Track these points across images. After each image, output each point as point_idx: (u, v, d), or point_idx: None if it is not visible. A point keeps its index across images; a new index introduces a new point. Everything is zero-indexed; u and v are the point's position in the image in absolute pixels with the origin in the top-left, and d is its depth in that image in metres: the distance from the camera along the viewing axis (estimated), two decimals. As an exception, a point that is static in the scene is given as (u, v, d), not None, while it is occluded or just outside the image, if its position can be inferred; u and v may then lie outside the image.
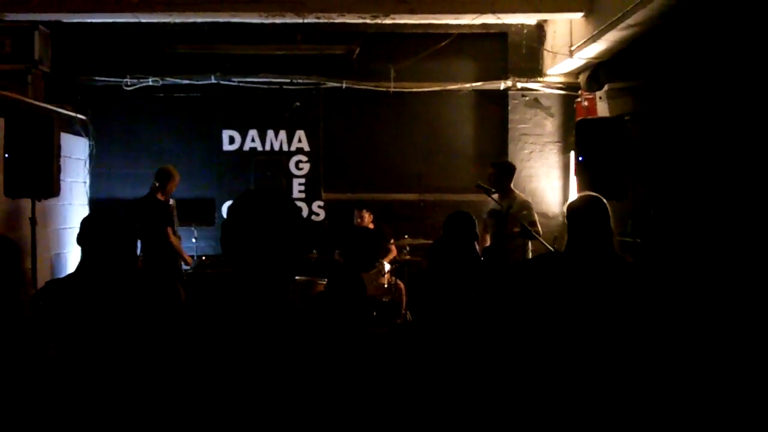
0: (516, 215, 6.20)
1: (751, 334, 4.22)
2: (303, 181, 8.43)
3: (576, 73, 7.73)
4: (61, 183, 6.35)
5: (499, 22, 7.22)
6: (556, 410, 3.00)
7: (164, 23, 7.49)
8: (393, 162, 8.49)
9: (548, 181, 8.31)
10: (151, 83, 8.18)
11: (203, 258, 7.70)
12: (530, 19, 7.81)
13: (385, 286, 6.95)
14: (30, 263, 5.98)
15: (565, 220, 3.39)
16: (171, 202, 7.06)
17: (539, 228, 6.34)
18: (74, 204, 7.85)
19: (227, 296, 1.94)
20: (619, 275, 3.20)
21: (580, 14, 6.63)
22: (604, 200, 3.37)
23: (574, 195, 7.34)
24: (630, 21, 5.53)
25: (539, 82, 8.22)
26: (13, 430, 2.55)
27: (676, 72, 5.74)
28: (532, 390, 2.95)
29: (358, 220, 7.61)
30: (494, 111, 8.45)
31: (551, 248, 5.82)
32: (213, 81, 8.22)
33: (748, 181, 4.68)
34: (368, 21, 7.17)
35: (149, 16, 7.02)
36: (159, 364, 2.21)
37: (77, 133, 8.03)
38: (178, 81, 8.21)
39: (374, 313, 6.87)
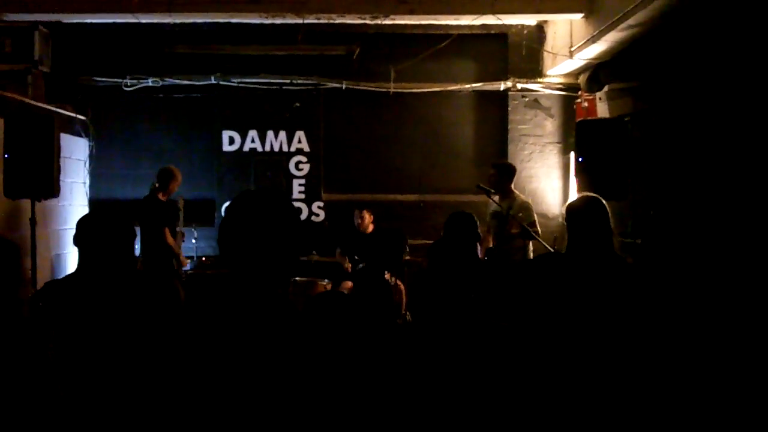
0: (516, 216, 6.20)
1: (752, 334, 4.22)
2: (303, 181, 8.43)
3: (576, 73, 7.73)
4: (61, 183, 6.35)
5: (499, 22, 7.21)
6: (557, 410, 3.00)
7: (164, 24, 7.49)
8: (393, 163, 8.49)
9: (548, 182, 8.31)
10: (151, 84, 8.18)
11: (203, 258, 7.70)
12: (530, 19, 7.81)
13: (385, 286, 6.94)
14: (30, 263, 5.97)
15: (565, 222, 3.39)
16: (179, 202, 7.06)
17: (539, 228, 6.35)
18: (74, 204, 7.85)
19: (225, 297, 1.94)
20: (619, 276, 3.20)
21: (580, 15, 6.62)
22: (603, 201, 3.37)
23: (574, 195, 7.34)
24: (630, 22, 5.53)
25: (539, 82, 8.22)
26: (14, 430, 2.55)
27: (677, 73, 5.74)
28: (533, 390, 2.95)
29: (359, 220, 7.60)
30: (494, 112, 8.45)
31: (551, 249, 5.82)
32: (213, 81, 8.22)
33: (749, 182, 4.68)
34: (368, 21, 7.16)
35: (149, 17, 7.02)
36: (157, 365, 2.21)
37: (77, 134, 8.03)
38: (178, 81, 8.21)
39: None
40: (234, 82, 8.24)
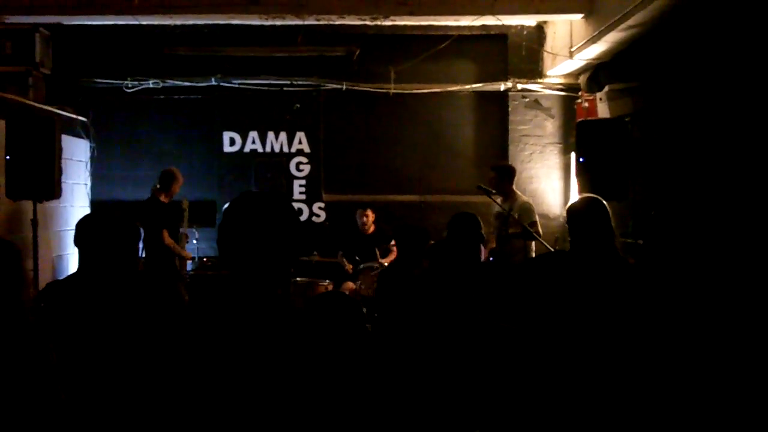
0: (516, 217, 6.21)
1: (754, 335, 4.22)
2: (303, 182, 8.44)
3: (576, 74, 7.73)
4: (63, 185, 6.36)
5: (499, 23, 7.22)
6: (560, 411, 3.01)
7: (164, 25, 7.50)
8: (393, 163, 8.50)
9: (549, 183, 8.31)
10: (151, 85, 8.19)
11: (204, 259, 7.71)
12: (530, 20, 7.81)
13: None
14: (32, 265, 5.99)
15: (566, 223, 3.40)
16: (183, 203, 7.07)
17: (540, 229, 6.34)
18: (75, 206, 7.86)
19: (225, 298, 1.95)
20: (621, 277, 3.21)
21: (580, 15, 6.63)
22: (604, 202, 3.38)
23: (574, 196, 7.35)
24: (630, 22, 5.54)
25: (539, 83, 8.23)
26: (15, 431, 2.55)
27: (677, 73, 5.74)
28: (535, 391, 2.95)
29: (364, 219, 7.60)
30: (494, 112, 8.46)
31: (552, 249, 5.82)
32: (213, 83, 8.23)
33: (750, 182, 4.69)
34: (368, 23, 7.17)
35: (149, 19, 7.03)
36: (158, 365, 2.21)
37: (78, 135, 8.04)
38: (178, 83, 8.22)
39: (375, 315, 6.88)
40: (234, 84, 8.26)
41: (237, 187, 8.11)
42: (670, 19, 5.42)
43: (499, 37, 8.21)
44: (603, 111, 7.21)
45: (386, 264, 7.04)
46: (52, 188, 6.09)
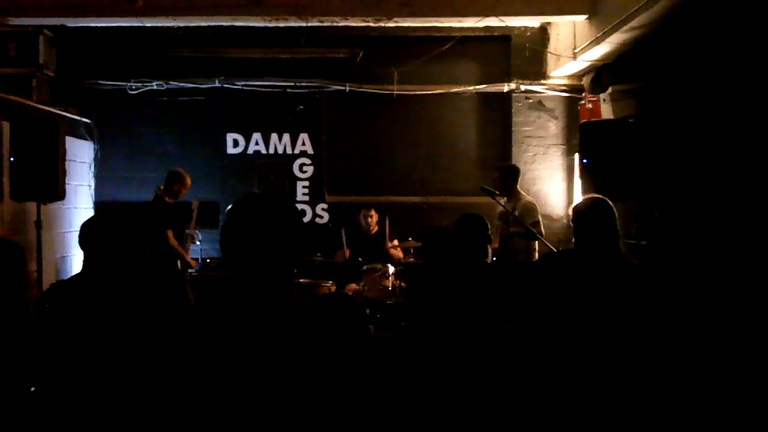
0: (519, 217, 6.20)
1: (756, 336, 4.21)
2: (307, 184, 8.44)
3: (579, 75, 7.73)
4: (66, 186, 6.37)
5: (502, 24, 7.22)
6: (563, 412, 3.00)
7: (168, 27, 7.52)
8: (396, 165, 8.50)
9: (552, 184, 8.30)
10: (155, 87, 8.20)
11: (207, 260, 7.71)
12: (533, 21, 7.81)
13: (389, 288, 6.94)
14: (35, 266, 6.00)
15: (571, 223, 3.39)
16: (193, 204, 7.06)
17: (542, 229, 6.33)
18: (79, 207, 7.87)
19: (228, 299, 1.95)
20: (625, 278, 3.20)
21: (583, 17, 6.62)
22: (610, 202, 3.37)
23: (578, 197, 7.34)
24: (633, 23, 5.53)
25: (543, 84, 8.22)
26: (20, 430, 2.56)
27: (680, 74, 5.73)
28: (538, 392, 2.95)
29: (369, 219, 7.59)
30: (498, 114, 8.45)
31: (554, 250, 5.81)
32: (217, 84, 8.24)
33: (753, 183, 4.68)
34: (371, 24, 7.17)
35: (153, 20, 7.04)
36: (162, 366, 2.22)
37: (82, 137, 8.05)
38: (182, 85, 8.24)
39: (378, 316, 6.88)
40: (238, 85, 8.26)
41: (240, 189, 8.13)
42: (673, 21, 5.42)
43: (502, 39, 8.22)
44: (606, 112, 7.20)
45: (390, 266, 7.04)
46: (55, 190, 6.10)
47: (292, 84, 8.28)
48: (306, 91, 8.32)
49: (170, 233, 6.69)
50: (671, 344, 3.37)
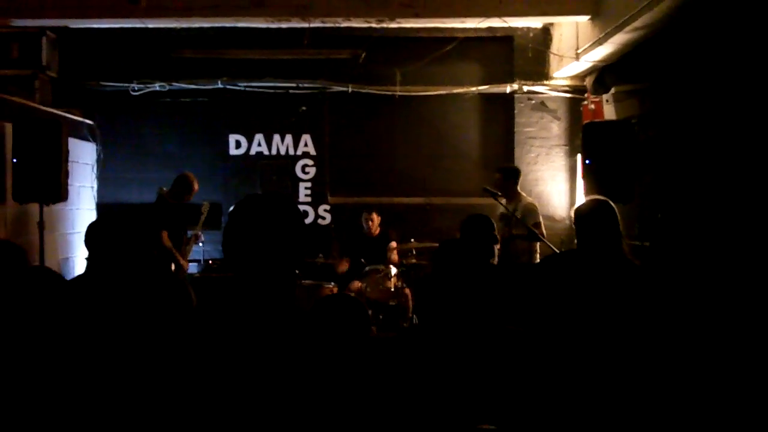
0: (519, 217, 6.20)
1: (760, 337, 4.20)
2: (309, 185, 8.44)
3: (582, 76, 7.72)
4: (69, 188, 6.38)
5: (505, 25, 7.21)
6: (566, 413, 2.99)
7: (171, 29, 7.52)
8: (399, 166, 8.50)
9: (554, 185, 8.29)
10: (157, 88, 8.21)
11: (209, 261, 7.72)
12: (536, 22, 7.81)
13: (392, 289, 6.94)
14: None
15: (573, 225, 3.38)
16: (203, 207, 7.05)
17: (544, 230, 6.33)
18: (82, 209, 7.88)
19: (230, 300, 1.94)
20: (628, 279, 3.19)
21: (586, 17, 6.61)
22: (612, 204, 3.36)
23: (580, 198, 7.33)
24: (636, 24, 5.52)
25: (545, 85, 8.21)
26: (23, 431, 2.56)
27: (683, 75, 5.72)
28: (540, 393, 2.94)
29: (370, 222, 7.60)
30: (500, 114, 8.45)
31: (557, 251, 5.81)
32: (219, 86, 8.24)
33: (756, 184, 4.66)
34: (374, 25, 7.17)
35: (156, 22, 7.05)
36: (164, 367, 2.21)
37: (85, 138, 8.06)
38: (184, 86, 8.24)
39: (380, 317, 6.88)
40: (240, 86, 8.26)
41: (243, 190, 8.13)
42: (676, 21, 5.41)
43: (504, 39, 8.20)
44: (609, 113, 7.20)
45: (392, 267, 7.03)
46: (58, 191, 6.11)
47: (295, 85, 8.28)
48: (308, 92, 8.32)
49: (165, 234, 6.67)
50: (674, 346, 3.36)
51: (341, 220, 8.27)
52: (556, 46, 7.84)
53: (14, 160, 6.01)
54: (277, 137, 8.42)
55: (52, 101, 7.75)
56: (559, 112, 8.31)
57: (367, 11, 6.82)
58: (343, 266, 7.47)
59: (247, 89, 8.27)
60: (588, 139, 6.01)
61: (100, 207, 8.23)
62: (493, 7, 6.66)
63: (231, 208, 2.01)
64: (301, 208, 8.24)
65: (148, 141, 8.41)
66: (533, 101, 8.29)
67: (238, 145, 8.41)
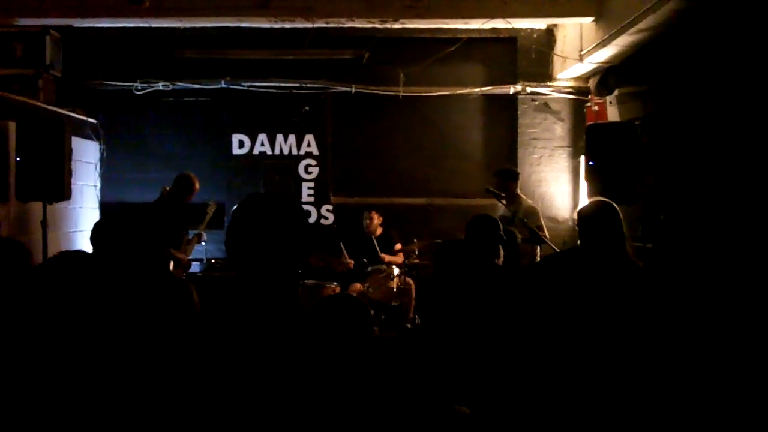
0: (523, 221, 6.19)
1: (762, 338, 4.20)
2: (312, 185, 8.44)
3: (586, 77, 7.71)
4: (72, 186, 6.39)
5: (509, 26, 7.21)
6: (568, 414, 2.99)
7: (174, 28, 7.53)
8: (402, 166, 8.49)
9: (558, 186, 8.29)
10: (161, 88, 8.21)
11: (212, 261, 7.72)
12: (540, 23, 7.80)
13: (394, 290, 6.94)
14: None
15: (576, 226, 3.38)
16: (209, 207, 7.05)
17: (546, 233, 6.32)
18: (85, 207, 7.89)
19: (233, 299, 1.94)
20: (631, 281, 3.19)
21: (590, 19, 6.61)
22: (616, 206, 3.36)
23: (583, 199, 7.33)
24: (640, 25, 5.51)
25: (549, 86, 8.20)
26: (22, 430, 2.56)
27: (687, 77, 5.72)
28: (541, 394, 2.94)
29: (368, 221, 7.60)
30: (503, 115, 8.44)
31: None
32: (222, 85, 8.25)
33: (760, 186, 4.66)
34: (377, 26, 7.17)
35: (159, 22, 7.05)
36: (167, 366, 2.21)
37: (88, 137, 8.07)
38: (187, 85, 8.25)
39: (383, 317, 6.88)
40: (243, 86, 8.27)
41: (246, 190, 8.12)
42: (680, 23, 5.40)
43: (508, 40, 8.19)
44: (613, 114, 7.19)
45: (395, 267, 7.03)
46: (61, 190, 6.11)
47: (298, 85, 8.28)
48: (311, 92, 8.32)
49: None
50: (677, 347, 3.35)
51: (344, 220, 8.26)
52: (559, 47, 7.84)
53: (17, 159, 6.02)
54: (280, 137, 8.43)
55: (55, 100, 7.76)
56: (563, 114, 8.30)
57: (370, 12, 6.82)
58: (343, 266, 7.46)
59: (251, 89, 8.27)
60: (591, 141, 6.00)
61: (103, 206, 8.25)
62: (498, 8, 6.66)
63: (234, 208, 2.00)
64: (304, 208, 8.23)
65: (151, 140, 8.42)
66: (537, 102, 8.29)
67: (241, 144, 8.42)
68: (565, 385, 3.05)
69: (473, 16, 6.89)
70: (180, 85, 8.23)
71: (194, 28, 7.66)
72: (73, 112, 7.74)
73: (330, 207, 8.44)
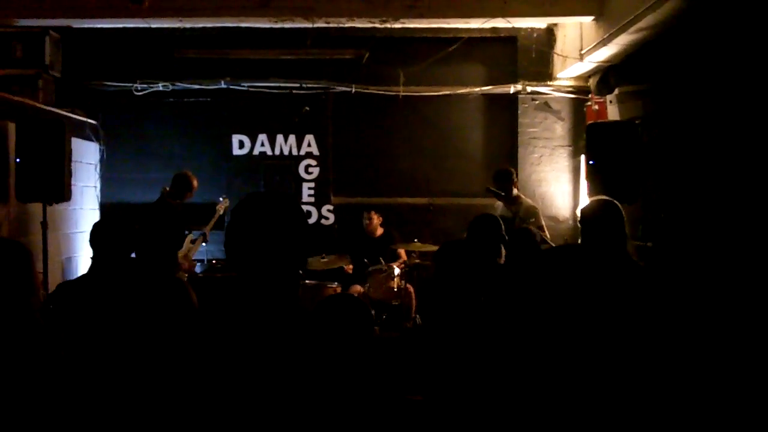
0: (524, 221, 6.18)
1: (762, 338, 4.19)
2: (312, 185, 8.44)
3: (586, 76, 7.70)
4: (72, 187, 6.39)
5: (509, 26, 7.20)
6: (564, 414, 2.99)
7: (174, 28, 7.52)
8: (402, 166, 8.49)
9: (558, 185, 8.28)
10: (161, 88, 8.21)
11: (213, 261, 7.72)
12: (540, 22, 7.80)
13: (395, 289, 6.94)
14: (41, 267, 6.00)
15: (578, 225, 3.37)
16: (219, 206, 7.05)
17: (547, 233, 6.32)
18: (85, 208, 7.89)
19: (233, 300, 1.94)
20: (632, 280, 3.18)
21: (590, 18, 6.60)
22: (618, 204, 3.35)
23: (584, 199, 7.32)
24: (640, 24, 5.51)
25: (549, 85, 8.20)
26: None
27: (687, 75, 5.71)
28: (539, 395, 2.93)
29: (367, 222, 7.60)
30: (504, 115, 8.43)
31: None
32: (223, 86, 8.25)
33: (760, 185, 4.65)
34: (378, 25, 7.16)
35: (159, 22, 7.04)
36: (167, 366, 2.21)
37: (88, 138, 8.06)
38: (187, 86, 8.25)
39: (384, 317, 6.87)
40: (244, 87, 8.27)
41: (246, 190, 8.11)
42: (681, 22, 5.39)
43: (508, 40, 8.19)
44: (613, 114, 7.18)
45: (395, 267, 7.02)
46: (61, 191, 6.11)
47: (298, 85, 8.28)
48: (312, 92, 8.32)
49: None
50: (677, 346, 3.35)
51: (344, 221, 8.25)
52: (560, 46, 7.83)
53: (17, 160, 6.02)
54: (280, 137, 8.42)
55: (55, 101, 7.76)
56: (563, 113, 8.29)
57: (370, 12, 6.81)
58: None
59: (251, 89, 8.27)
60: (592, 140, 6.00)
61: (103, 207, 8.24)
62: (498, 7, 6.65)
63: (233, 208, 1.99)
64: (304, 208, 8.21)
65: (151, 141, 8.42)
66: (537, 102, 8.28)
67: (241, 145, 8.41)
68: (565, 385, 3.05)
69: (473, 15, 6.88)
70: (180, 85, 8.23)
71: (194, 28, 7.65)
72: (73, 113, 7.73)
73: (330, 207, 8.44)
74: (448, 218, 7.91)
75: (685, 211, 5.66)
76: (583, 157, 7.03)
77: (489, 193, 6.41)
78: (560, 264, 3.45)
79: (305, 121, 8.38)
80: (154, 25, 7.11)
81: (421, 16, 6.81)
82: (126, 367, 2.66)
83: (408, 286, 7.03)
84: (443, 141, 8.48)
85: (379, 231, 7.66)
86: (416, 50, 8.14)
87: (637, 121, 6.19)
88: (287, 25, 7.06)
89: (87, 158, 7.99)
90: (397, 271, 6.98)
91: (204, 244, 7.26)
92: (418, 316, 6.79)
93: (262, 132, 8.41)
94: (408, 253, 7.34)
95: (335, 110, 8.44)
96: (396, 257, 7.39)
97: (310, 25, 7.05)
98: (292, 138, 8.42)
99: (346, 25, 7.20)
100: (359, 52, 8.18)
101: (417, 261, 7.17)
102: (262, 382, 1.81)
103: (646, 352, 3.08)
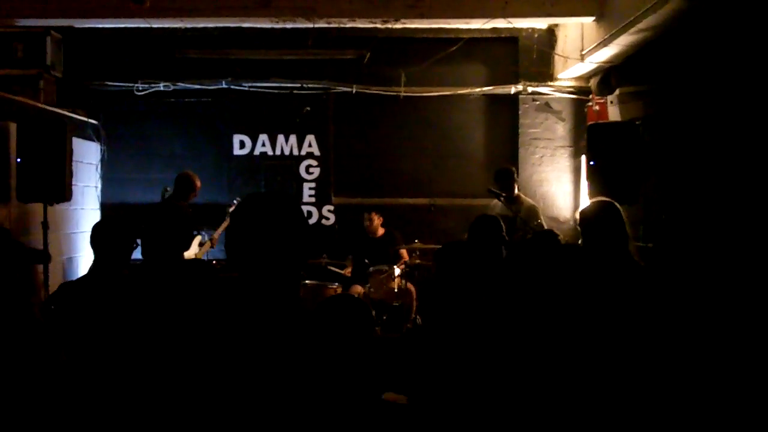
0: (525, 221, 6.19)
1: (763, 338, 4.19)
2: (313, 185, 8.44)
3: (587, 77, 7.70)
4: (73, 187, 6.38)
5: (510, 26, 7.19)
6: (566, 414, 2.99)
7: (175, 28, 7.52)
8: (403, 166, 8.49)
9: (559, 186, 8.28)
10: (162, 88, 8.21)
11: (213, 262, 7.71)
12: (541, 23, 7.79)
13: (396, 290, 6.94)
14: (42, 267, 6.01)
15: (578, 226, 3.37)
16: (229, 206, 7.05)
17: (546, 232, 6.32)
18: (86, 208, 7.89)
19: (234, 300, 1.94)
20: (633, 280, 3.18)
21: (591, 18, 6.60)
22: (618, 206, 3.35)
23: (584, 199, 7.32)
24: (641, 25, 5.51)
25: (550, 86, 8.19)
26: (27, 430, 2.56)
27: (688, 76, 5.71)
28: (539, 395, 2.93)
29: (367, 223, 7.61)
30: (505, 115, 8.43)
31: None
32: (224, 86, 8.25)
33: (761, 186, 4.65)
34: (379, 26, 7.16)
35: (160, 22, 7.04)
36: (168, 366, 2.21)
37: (89, 138, 8.07)
38: (189, 86, 8.25)
39: (384, 318, 6.87)
40: (245, 87, 8.27)
41: (247, 190, 8.11)
42: (682, 23, 5.39)
43: (509, 40, 8.19)
44: (614, 114, 7.18)
45: (396, 268, 7.03)
46: (62, 191, 6.11)
47: (299, 85, 8.28)
48: (313, 92, 8.32)
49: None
50: (678, 346, 3.35)
51: (345, 221, 8.25)
52: (561, 47, 7.83)
53: (18, 160, 6.02)
54: (281, 137, 8.42)
55: (56, 101, 7.76)
56: (564, 114, 8.29)
57: (372, 12, 6.81)
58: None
59: (252, 89, 8.27)
60: (592, 141, 6.00)
61: (104, 207, 8.24)
62: (499, 8, 6.65)
63: (233, 208, 1.99)
64: (305, 208, 8.23)
65: (152, 141, 8.42)
66: (538, 102, 8.28)
67: (242, 145, 8.41)
68: (566, 385, 3.05)
69: (474, 15, 6.88)
70: (181, 85, 8.23)
71: (195, 28, 7.65)
72: (74, 113, 7.74)
73: (331, 207, 8.44)
74: (449, 218, 7.91)
75: (687, 212, 5.65)
76: (584, 158, 7.03)
77: (490, 193, 6.40)
78: (560, 264, 3.45)
79: (306, 121, 8.38)
80: (155, 25, 7.11)
81: (422, 16, 6.80)
82: (126, 368, 2.66)
83: (409, 285, 7.03)
84: (444, 141, 8.47)
85: (380, 231, 7.66)
86: (417, 50, 8.14)
87: (638, 122, 6.19)
88: (288, 25, 7.06)
89: (88, 158, 8.00)
90: (397, 271, 6.98)
91: (211, 248, 7.25)
92: (418, 316, 6.80)
93: (263, 132, 8.41)
94: (409, 252, 7.34)
95: (336, 110, 8.44)
96: (398, 258, 7.39)
97: (311, 26, 7.05)
98: (293, 138, 8.42)
99: (347, 26, 7.20)
100: (360, 52, 8.18)
101: (418, 261, 7.17)
102: (263, 383, 1.81)
103: (647, 352, 3.08)
